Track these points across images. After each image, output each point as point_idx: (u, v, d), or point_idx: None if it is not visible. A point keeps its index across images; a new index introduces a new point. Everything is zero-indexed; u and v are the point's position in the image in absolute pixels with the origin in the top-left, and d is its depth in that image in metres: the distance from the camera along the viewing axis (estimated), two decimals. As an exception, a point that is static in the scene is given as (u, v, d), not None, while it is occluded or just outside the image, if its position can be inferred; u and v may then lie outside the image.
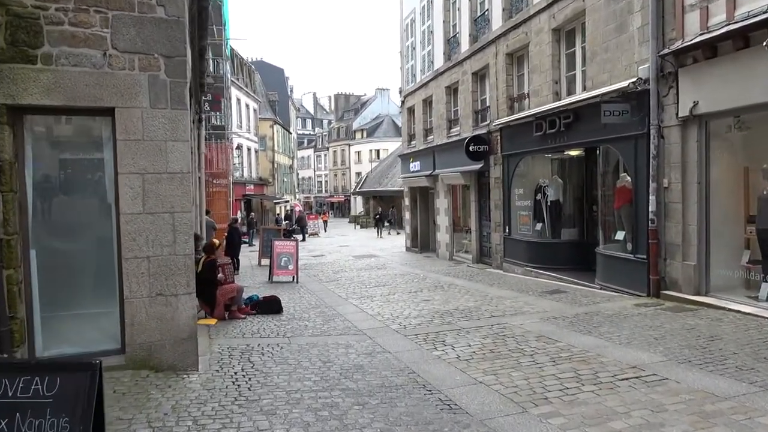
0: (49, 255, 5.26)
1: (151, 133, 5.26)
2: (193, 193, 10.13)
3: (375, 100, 72.22)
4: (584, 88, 10.59)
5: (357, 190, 53.22)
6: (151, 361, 5.29)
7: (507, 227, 13.67)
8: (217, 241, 8.91)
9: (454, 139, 16.44)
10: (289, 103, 60.66)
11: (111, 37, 5.14)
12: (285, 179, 53.53)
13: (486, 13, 14.58)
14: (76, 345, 5.33)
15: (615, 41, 9.44)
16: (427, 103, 19.41)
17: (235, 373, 5.38)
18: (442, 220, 18.44)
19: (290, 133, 57.73)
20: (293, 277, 12.89)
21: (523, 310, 8.18)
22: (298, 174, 68.60)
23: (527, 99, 12.79)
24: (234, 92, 32.12)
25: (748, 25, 6.69)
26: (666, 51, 8.14)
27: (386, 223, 36.72)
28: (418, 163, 19.99)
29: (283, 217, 41.93)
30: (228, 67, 25.54)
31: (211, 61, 20.49)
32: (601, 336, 6.35)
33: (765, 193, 7.30)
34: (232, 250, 15.40)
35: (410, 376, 5.21)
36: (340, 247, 25.36)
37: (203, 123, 16.17)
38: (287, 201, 50.68)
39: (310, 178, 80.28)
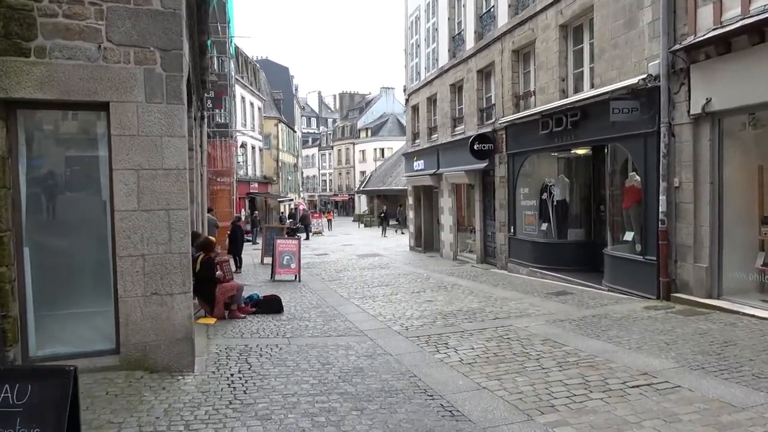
0: (42, 252, 5.14)
1: (147, 129, 5.12)
2: (195, 190, 10.08)
3: (380, 99, 72.07)
4: (592, 86, 10.38)
5: (361, 188, 53.10)
6: (146, 361, 5.15)
7: (512, 227, 13.48)
8: (213, 239, 8.74)
9: (459, 137, 16.25)
10: (294, 101, 60.58)
11: (106, 29, 5.00)
12: (289, 178, 53.45)
13: (492, 9, 14.37)
14: (69, 345, 5.20)
15: (624, 37, 9.23)
16: (432, 101, 19.22)
17: (232, 375, 5.23)
18: (446, 219, 18.25)
19: (295, 131, 57.66)
20: (295, 275, 12.76)
21: (529, 312, 8.00)
22: (302, 172, 68.58)
23: (533, 97, 12.58)
24: (238, 90, 32.03)
25: (765, 19, 6.48)
26: (677, 47, 7.93)
27: (394, 222, 36.53)
28: (422, 161, 19.80)
29: (287, 216, 41.85)
30: (232, 65, 25.49)
31: (215, 59, 20.42)
32: (609, 340, 6.16)
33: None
34: (235, 248, 15.32)
35: (411, 380, 5.05)
36: (343, 245, 25.22)
37: (206, 120, 16.05)
38: (291, 199, 50.60)
39: (314, 176, 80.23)
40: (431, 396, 4.59)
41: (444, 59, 17.58)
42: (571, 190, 12.39)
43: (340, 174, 73.50)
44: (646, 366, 5.10)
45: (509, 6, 13.17)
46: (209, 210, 14.73)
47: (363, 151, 66.99)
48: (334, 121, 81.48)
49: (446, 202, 18.16)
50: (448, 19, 17.19)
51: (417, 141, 21.01)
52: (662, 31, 8.17)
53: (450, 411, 4.26)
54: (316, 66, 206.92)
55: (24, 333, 4.99)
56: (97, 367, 5.00)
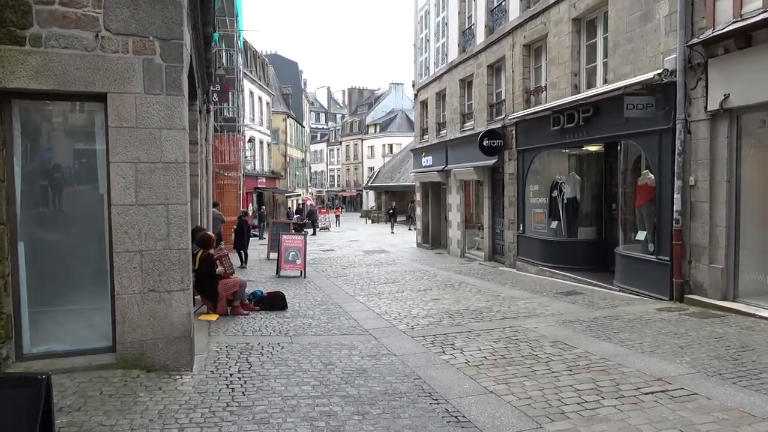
0: (38, 247, 5.01)
1: (145, 121, 4.97)
2: (199, 184, 9.94)
3: (389, 95, 71.72)
4: (605, 81, 10.12)
5: (369, 184, 52.92)
6: (143, 360, 5.01)
7: (521, 225, 13.26)
8: (213, 235, 8.59)
9: (468, 133, 16.01)
10: (303, 96, 60.40)
11: (104, 17, 4.84)
12: (297, 173, 53.37)
13: (503, 3, 14.10)
14: (65, 342, 5.07)
15: (639, 31, 8.96)
16: (441, 96, 18.97)
17: (231, 375, 5.09)
18: (454, 216, 18.04)
19: (303, 126, 57.52)
20: (301, 272, 12.63)
21: (537, 312, 7.80)
22: (310, 168, 68.45)
23: (544, 92, 12.32)
24: (247, 85, 31.91)
25: (788, 11, 6.21)
26: (695, 40, 7.66)
27: (402, 218, 36.32)
28: (431, 157, 19.57)
29: (294, 211, 41.79)
30: (240, 59, 25.33)
31: (223, 52, 20.29)
32: (621, 343, 5.95)
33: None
34: (241, 243, 15.22)
35: (416, 382, 4.88)
36: (350, 241, 25.08)
37: (212, 114, 15.92)
38: (299, 195, 50.56)
39: (322, 172, 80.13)
40: (436, 400, 4.42)
41: (454, 54, 17.32)
42: (582, 188, 12.14)
43: (348, 170, 73.34)
44: (661, 371, 4.90)
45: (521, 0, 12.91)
46: (215, 204, 14.61)
47: (371, 147, 66.76)
48: (343, 116, 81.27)
49: (454, 198, 17.94)
50: (459, 13, 16.92)
51: (425, 137, 20.79)
52: (679, 24, 7.90)
53: (455, 416, 4.09)
54: (325, 61, 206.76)
55: (18, 330, 4.87)
56: (93, 366, 4.87)
